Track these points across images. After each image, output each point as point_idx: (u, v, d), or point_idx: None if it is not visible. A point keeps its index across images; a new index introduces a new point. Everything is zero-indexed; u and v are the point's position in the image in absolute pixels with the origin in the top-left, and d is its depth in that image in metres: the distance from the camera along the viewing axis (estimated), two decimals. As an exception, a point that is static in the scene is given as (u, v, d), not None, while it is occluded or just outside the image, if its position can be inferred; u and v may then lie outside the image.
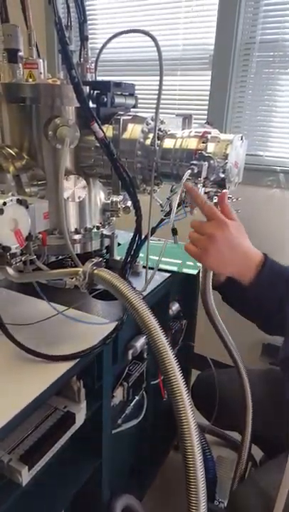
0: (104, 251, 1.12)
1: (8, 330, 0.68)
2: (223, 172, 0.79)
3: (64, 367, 0.67)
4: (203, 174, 0.74)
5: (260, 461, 1.35)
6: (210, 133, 0.82)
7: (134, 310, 0.63)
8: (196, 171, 0.73)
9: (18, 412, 0.59)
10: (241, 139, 0.84)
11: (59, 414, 0.74)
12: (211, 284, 1.02)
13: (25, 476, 0.65)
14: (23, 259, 0.68)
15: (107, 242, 1.10)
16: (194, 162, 0.74)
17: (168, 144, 0.86)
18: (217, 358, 1.31)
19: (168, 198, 0.97)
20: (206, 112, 1.74)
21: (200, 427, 1.26)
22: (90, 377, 0.79)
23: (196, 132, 0.85)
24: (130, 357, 0.95)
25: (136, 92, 0.99)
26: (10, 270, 0.68)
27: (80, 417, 0.76)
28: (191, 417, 0.58)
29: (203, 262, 0.78)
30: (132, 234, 0.82)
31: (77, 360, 0.68)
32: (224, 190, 0.81)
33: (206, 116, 1.73)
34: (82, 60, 0.96)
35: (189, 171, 0.73)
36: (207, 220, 0.76)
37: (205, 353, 1.42)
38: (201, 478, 0.57)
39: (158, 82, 0.80)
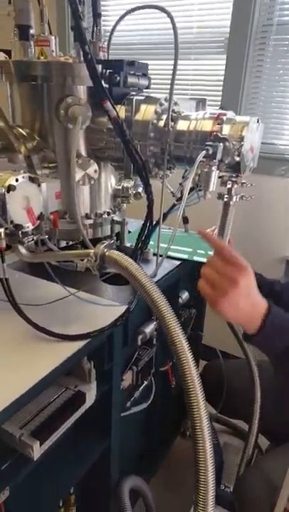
0: (115, 238, 1.11)
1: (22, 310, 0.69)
2: (238, 155, 0.77)
3: (75, 346, 0.67)
4: (218, 156, 0.73)
5: (266, 450, 1.36)
6: (225, 114, 0.80)
7: (144, 291, 0.62)
8: (210, 152, 0.71)
9: (30, 388, 0.59)
10: (258, 121, 0.82)
11: (70, 394, 0.75)
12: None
13: (37, 450, 0.65)
14: (34, 238, 0.68)
15: (117, 228, 1.09)
16: (209, 143, 0.73)
17: (182, 125, 0.85)
18: (225, 350, 1.31)
19: (180, 184, 0.96)
20: (219, 98, 1.70)
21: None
22: (100, 358, 0.79)
23: (211, 114, 0.83)
24: (140, 342, 0.95)
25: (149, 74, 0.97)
26: (22, 249, 0.68)
27: (91, 397, 0.76)
28: (201, 399, 0.58)
29: (217, 305, 0.68)
30: (142, 222, 0.81)
31: (88, 340, 0.68)
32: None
33: (219, 102, 1.69)
34: (94, 38, 0.94)
35: (204, 152, 0.71)
36: (226, 263, 0.69)
37: (213, 344, 1.42)
38: (210, 460, 0.57)
39: (171, 66, 0.78)
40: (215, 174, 0.74)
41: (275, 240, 1.74)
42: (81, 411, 0.74)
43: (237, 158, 0.78)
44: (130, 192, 1.04)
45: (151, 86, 0.99)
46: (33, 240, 0.68)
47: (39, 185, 0.65)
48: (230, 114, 0.82)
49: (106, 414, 0.87)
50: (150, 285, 0.63)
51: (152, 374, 1.07)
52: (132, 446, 1.19)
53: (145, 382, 1.03)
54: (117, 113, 0.78)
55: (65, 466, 0.84)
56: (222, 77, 1.68)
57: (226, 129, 0.78)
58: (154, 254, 0.98)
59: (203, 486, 0.57)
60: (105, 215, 1.02)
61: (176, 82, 0.81)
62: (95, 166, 0.93)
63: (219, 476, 1.15)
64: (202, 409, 0.58)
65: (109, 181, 1.02)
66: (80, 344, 0.68)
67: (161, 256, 0.92)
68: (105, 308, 0.78)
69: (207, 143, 0.73)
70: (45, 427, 0.68)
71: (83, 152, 0.92)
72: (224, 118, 0.79)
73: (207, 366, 1.35)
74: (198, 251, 1.18)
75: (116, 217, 1.06)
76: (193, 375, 0.59)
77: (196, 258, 1.12)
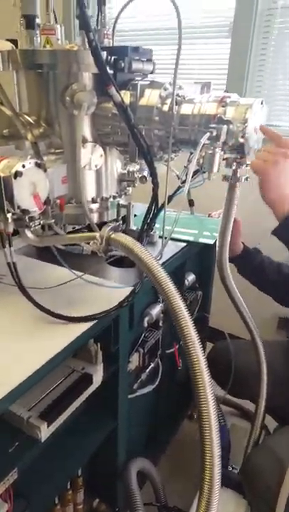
0: (121, 221, 1.12)
1: (29, 293, 0.70)
2: (243, 137, 0.77)
3: (81, 328, 0.69)
4: (222, 138, 0.73)
5: (274, 431, 1.38)
6: (229, 97, 0.80)
7: (150, 273, 0.64)
8: (214, 134, 0.72)
9: (36, 370, 0.61)
10: (262, 103, 0.82)
11: (77, 375, 0.77)
12: (227, 254, 1.01)
13: (44, 432, 0.67)
14: (41, 222, 0.69)
15: (123, 212, 1.10)
16: (213, 125, 0.73)
17: (186, 109, 0.85)
18: (232, 332, 1.32)
19: (185, 167, 0.97)
20: (225, 82, 1.69)
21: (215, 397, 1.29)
22: (107, 341, 0.81)
23: (215, 97, 0.83)
24: (146, 324, 0.97)
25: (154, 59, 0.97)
26: (29, 233, 0.70)
27: (98, 379, 0.78)
28: (208, 384, 0.59)
29: (268, 173, 0.82)
30: (147, 206, 0.82)
31: (94, 322, 0.70)
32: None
33: (224, 86, 1.68)
34: (99, 25, 0.94)
35: (208, 134, 0.72)
36: (278, 147, 0.84)
37: (220, 326, 1.43)
38: (216, 446, 0.58)
39: (176, 51, 0.78)
40: (218, 156, 0.74)
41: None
42: (88, 392, 0.76)
43: (241, 140, 0.78)
44: (136, 176, 1.05)
45: (157, 71, 0.99)
46: (39, 224, 0.69)
47: (45, 171, 0.66)
48: (234, 96, 0.82)
49: (113, 396, 0.89)
50: (156, 266, 0.64)
51: (159, 356, 1.09)
52: (139, 429, 1.21)
53: (152, 364, 1.05)
54: (122, 98, 0.78)
55: (73, 447, 0.86)
56: (227, 61, 1.66)
57: (230, 112, 0.78)
58: (160, 237, 0.99)
59: (208, 472, 0.58)
60: (111, 199, 1.03)
61: (181, 66, 0.81)
62: (101, 151, 0.94)
63: (226, 457, 1.17)
64: (209, 394, 0.59)
65: (115, 166, 1.02)
66: (86, 326, 0.69)
67: (166, 238, 0.93)
68: (111, 291, 0.80)
69: (211, 125, 0.73)
70: (52, 409, 0.70)
71: (89, 137, 0.93)
72: (228, 101, 0.79)
73: (215, 347, 1.37)
74: (204, 233, 1.19)
75: (122, 201, 1.07)
76: (200, 359, 0.60)
77: (201, 240, 1.13)
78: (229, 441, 1.16)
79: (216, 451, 0.58)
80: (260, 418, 1.12)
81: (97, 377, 0.78)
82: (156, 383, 1.09)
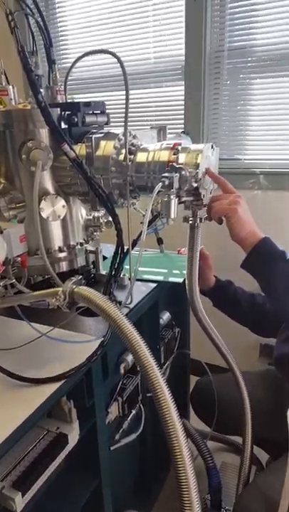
0: (92, 266, 1.13)
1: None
2: (196, 181, 0.80)
3: (51, 388, 0.67)
4: (175, 185, 0.75)
5: (267, 464, 1.35)
6: (180, 144, 0.84)
7: (116, 327, 0.63)
8: (167, 183, 0.74)
9: (6, 437, 0.59)
10: (212, 147, 0.86)
11: (51, 436, 0.74)
12: (198, 290, 1.03)
13: (19, 503, 0.64)
14: (1, 284, 0.69)
15: (92, 257, 1.11)
16: (165, 174, 0.75)
17: (141, 157, 0.88)
18: (216, 363, 1.31)
19: (143, 215, 0.99)
20: (183, 121, 1.76)
21: (202, 434, 1.26)
22: (81, 395, 0.78)
23: (167, 144, 0.86)
24: (122, 371, 0.95)
25: (113, 107, 1.01)
26: (-11, 296, 0.69)
27: (73, 438, 0.75)
28: (183, 444, 0.56)
29: (237, 212, 0.86)
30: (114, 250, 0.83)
31: (64, 380, 0.68)
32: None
33: (183, 126, 1.75)
34: (51, 83, 0.98)
35: (160, 183, 0.74)
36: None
37: (203, 358, 1.42)
38: (195, 499, 0.56)
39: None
40: (174, 202, 0.76)
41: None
42: (64, 454, 0.73)
43: (195, 184, 0.81)
44: (101, 221, 1.07)
45: (117, 115, 1.02)
46: (0, 286, 0.69)
47: (1, 232, 0.66)
48: (185, 142, 0.86)
49: (93, 451, 0.86)
50: (121, 320, 0.63)
51: (140, 401, 1.07)
52: (126, 479, 1.17)
53: (133, 412, 1.03)
54: (76, 153, 0.81)
55: (56, 509, 0.82)
56: (183, 102, 1.74)
57: (182, 158, 0.81)
58: (130, 279, 0.99)
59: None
60: (78, 246, 1.04)
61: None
62: (63, 202, 0.95)
63: (218, 499, 1.14)
64: (184, 450, 0.57)
65: (80, 213, 1.04)
66: (55, 386, 0.67)
67: (140, 280, 0.94)
68: (82, 343, 0.79)
69: (163, 174, 0.76)
70: (27, 477, 0.66)
71: (50, 189, 0.94)
72: (179, 148, 0.82)
73: (198, 383, 1.35)
74: (173, 271, 1.20)
75: (89, 247, 1.08)
76: (173, 413, 0.57)
77: (171, 279, 1.14)
78: (220, 482, 1.12)
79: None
80: (248, 454, 1.09)
81: (73, 436, 0.75)
82: (140, 430, 1.06)
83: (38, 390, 0.67)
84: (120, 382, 0.97)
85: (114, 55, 0.82)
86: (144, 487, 1.25)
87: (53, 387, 0.67)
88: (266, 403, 1.16)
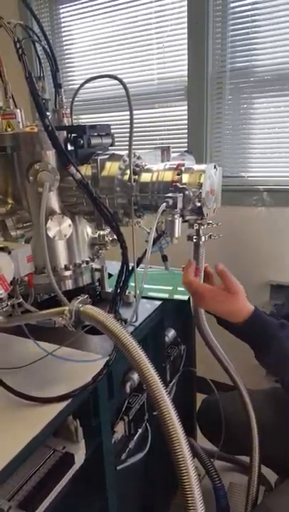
0: (97, 283, 1.14)
1: (-1, 375, 0.69)
2: (199, 201, 0.82)
3: (57, 408, 0.67)
4: (179, 205, 0.77)
5: (276, 484, 1.32)
6: (184, 165, 0.86)
7: (122, 346, 0.63)
8: (171, 203, 0.75)
9: (13, 457, 0.59)
10: (215, 167, 0.88)
11: (57, 456, 0.74)
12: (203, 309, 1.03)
13: (26, 524, 0.64)
14: (9, 303, 0.70)
15: (98, 275, 1.12)
16: (169, 195, 0.77)
17: (145, 177, 0.90)
18: (223, 380, 1.30)
19: (148, 232, 1.01)
20: (186, 141, 1.80)
21: (209, 454, 1.24)
22: (86, 415, 0.78)
23: (170, 165, 0.88)
24: (128, 390, 0.95)
25: (118, 126, 1.03)
26: (-3, 316, 0.70)
27: (80, 457, 0.75)
28: (190, 463, 0.56)
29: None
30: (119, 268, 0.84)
31: (70, 400, 0.68)
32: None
33: (187, 145, 1.78)
34: (57, 106, 1.01)
35: (164, 203, 0.75)
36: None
37: (210, 375, 1.41)
38: None
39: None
40: (178, 222, 0.78)
41: (255, 266, 1.78)
42: (70, 474, 0.72)
43: (198, 204, 0.82)
44: (107, 239, 1.09)
45: (123, 135, 1.04)
46: (7, 305, 0.70)
47: (9, 253, 0.67)
48: (188, 163, 0.88)
49: (99, 471, 0.85)
50: (126, 338, 0.64)
51: (146, 420, 1.06)
52: (133, 497, 1.15)
53: (139, 431, 1.02)
54: (82, 175, 0.83)
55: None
56: (186, 122, 1.78)
57: (185, 178, 0.83)
58: (135, 297, 1.00)
59: None
60: (84, 264, 1.05)
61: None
62: (69, 221, 0.97)
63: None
64: (192, 475, 0.56)
65: (86, 231, 1.06)
66: (61, 406, 0.68)
67: (145, 298, 0.94)
68: (87, 362, 0.79)
69: (167, 194, 0.78)
70: (33, 496, 0.66)
71: (57, 209, 0.97)
72: (182, 168, 0.84)
73: (205, 402, 1.34)
74: (178, 288, 1.20)
75: (95, 265, 1.09)
76: (179, 432, 0.58)
77: (176, 296, 1.14)
78: (227, 503, 1.10)
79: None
80: (255, 474, 1.07)
81: (79, 456, 0.75)
82: (147, 449, 1.05)
83: (45, 409, 0.67)
84: (126, 401, 0.97)
85: (118, 79, 0.85)
86: (151, 508, 1.23)
87: (60, 406, 0.68)
88: (273, 422, 1.15)
